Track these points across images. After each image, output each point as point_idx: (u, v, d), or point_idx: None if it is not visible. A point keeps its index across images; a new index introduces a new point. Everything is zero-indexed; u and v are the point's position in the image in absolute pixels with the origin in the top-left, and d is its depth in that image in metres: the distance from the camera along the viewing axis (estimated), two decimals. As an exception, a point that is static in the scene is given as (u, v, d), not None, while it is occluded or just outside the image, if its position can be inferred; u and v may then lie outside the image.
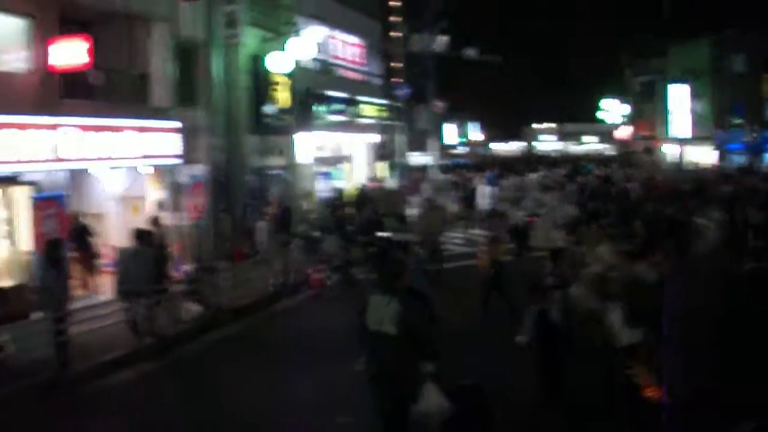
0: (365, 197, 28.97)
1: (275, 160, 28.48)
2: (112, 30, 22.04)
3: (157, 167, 22.01)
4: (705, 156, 60.65)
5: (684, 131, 64.26)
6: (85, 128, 18.61)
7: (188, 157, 22.62)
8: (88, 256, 20.54)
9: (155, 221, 20.51)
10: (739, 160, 57.30)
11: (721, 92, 57.66)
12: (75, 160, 18.52)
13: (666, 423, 7.68)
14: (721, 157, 56.47)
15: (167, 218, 21.87)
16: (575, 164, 60.27)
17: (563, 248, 15.75)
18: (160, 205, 22.18)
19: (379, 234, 21.80)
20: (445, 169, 48.16)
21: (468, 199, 31.33)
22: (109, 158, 19.68)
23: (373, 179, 35.29)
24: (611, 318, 9.33)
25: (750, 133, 56.39)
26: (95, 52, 19.28)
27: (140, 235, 16.25)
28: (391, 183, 38.51)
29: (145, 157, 20.89)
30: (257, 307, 19.31)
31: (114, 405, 12.62)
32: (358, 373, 8.50)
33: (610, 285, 10.00)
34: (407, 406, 7.96)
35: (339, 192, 29.54)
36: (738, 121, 58.75)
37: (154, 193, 22.51)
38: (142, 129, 20.61)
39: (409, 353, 7.92)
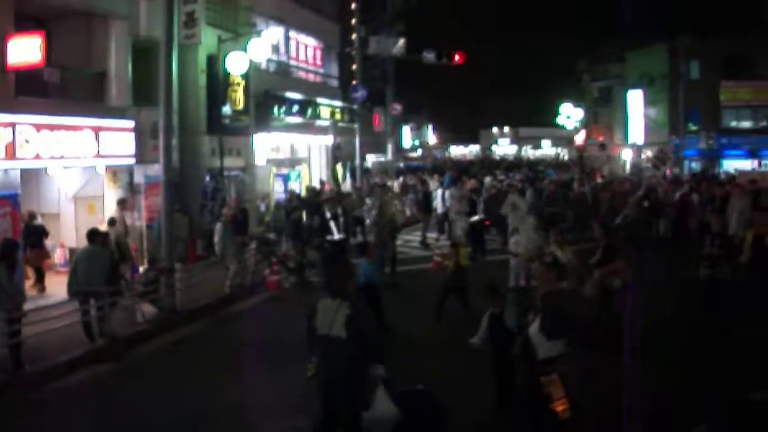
0: (316, 200, 28.95)
1: (233, 161, 28.40)
2: (70, 27, 21.94)
3: (111, 167, 21.88)
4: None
5: (639, 137, 65.04)
6: (39, 127, 18.49)
7: (144, 157, 22.53)
8: (41, 256, 20.38)
9: (112, 221, 20.46)
10: (695, 166, 58.08)
11: (676, 98, 58.29)
12: (29, 159, 18.38)
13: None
14: (676, 163, 57.06)
15: (128, 217, 21.78)
16: (533, 169, 60.61)
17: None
18: (121, 204, 22.05)
19: (329, 237, 21.79)
20: (399, 171, 48.19)
21: (423, 202, 31.33)
22: (64, 157, 19.53)
23: (324, 182, 35.21)
24: (530, 330, 9.11)
25: (706, 140, 57.08)
26: (52, 49, 19.13)
27: (94, 235, 16.08)
28: (347, 185, 38.48)
29: (101, 156, 20.77)
30: (213, 308, 19.22)
31: (67, 407, 12.48)
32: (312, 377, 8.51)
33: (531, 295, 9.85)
34: (359, 412, 7.97)
35: (293, 194, 29.51)
36: (694, 127, 59.44)
37: (111, 193, 22.38)
38: (98, 128, 20.48)
39: (359, 357, 7.93)
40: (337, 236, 21.62)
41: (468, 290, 16.40)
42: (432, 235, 29.70)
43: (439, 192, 31.62)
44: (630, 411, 8.64)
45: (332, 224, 21.69)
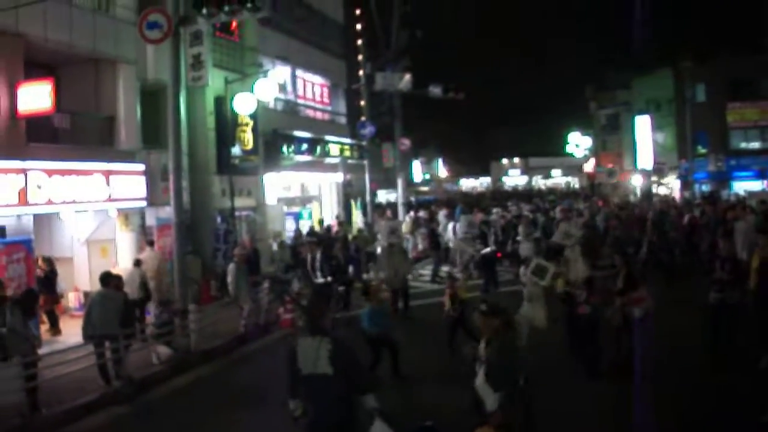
0: (327, 237, 29.00)
1: (243, 201, 28.51)
2: (78, 73, 22.19)
3: (123, 210, 22.01)
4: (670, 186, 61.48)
5: (648, 162, 65.10)
6: (51, 172, 18.65)
7: (155, 199, 22.67)
8: (55, 301, 20.47)
9: (138, 262, 20.62)
10: (704, 188, 58.06)
11: (683, 122, 58.49)
12: (42, 204, 18.53)
13: None
14: (685, 187, 57.08)
15: (152, 257, 21.86)
16: (544, 199, 60.50)
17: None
18: (150, 244, 22.17)
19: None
20: (410, 206, 48.27)
21: (433, 237, 31.32)
22: (75, 201, 19.67)
23: (339, 218, 35.31)
24: (476, 382, 8.78)
25: (715, 162, 57.10)
26: (61, 95, 19.34)
27: (107, 278, 16.15)
28: (359, 222, 38.53)
29: (112, 200, 20.92)
30: (227, 348, 19.21)
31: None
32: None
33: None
34: None
35: (300, 232, 29.59)
36: (703, 150, 59.49)
37: (123, 236, 22.50)
38: (108, 172, 20.64)
39: (348, 394, 7.76)
40: (320, 279, 21.49)
41: (469, 323, 16.23)
42: (445, 269, 29.62)
43: (450, 225, 31.64)
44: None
45: (310, 268, 21.56)
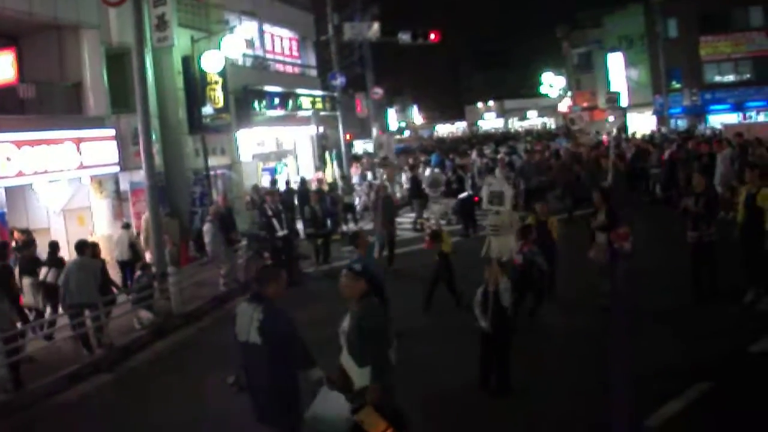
0: (302, 190, 28.96)
1: (218, 160, 28.35)
2: (41, 41, 21.91)
3: (96, 177, 21.87)
4: (645, 122, 61.48)
5: (622, 99, 65.05)
6: (20, 143, 18.46)
7: (127, 163, 22.54)
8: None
9: (127, 225, 20.75)
10: (681, 124, 58.10)
11: (656, 58, 58.43)
12: (12, 176, 18.38)
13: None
14: (662, 122, 57.13)
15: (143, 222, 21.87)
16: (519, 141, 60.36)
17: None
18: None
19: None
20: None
21: (413, 185, 31.23)
22: (47, 171, 19.51)
23: (320, 169, 35.22)
24: (341, 356, 8.14)
25: (689, 96, 57.13)
26: (25, 64, 19.10)
27: (83, 246, 16.07)
28: (335, 173, 38.46)
29: (84, 167, 20.77)
30: (209, 309, 19.23)
31: (71, 421, 12.50)
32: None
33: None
34: (291, 420, 7.56)
35: (276, 187, 29.48)
36: (677, 85, 59.49)
37: (98, 203, 22.37)
38: (78, 139, 20.46)
39: (282, 364, 7.47)
40: (280, 232, 21.29)
41: (453, 277, 16.10)
42: (425, 216, 29.59)
43: (428, 171, 31.60)
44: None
45: (275, 221, 21.42)
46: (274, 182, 32.12)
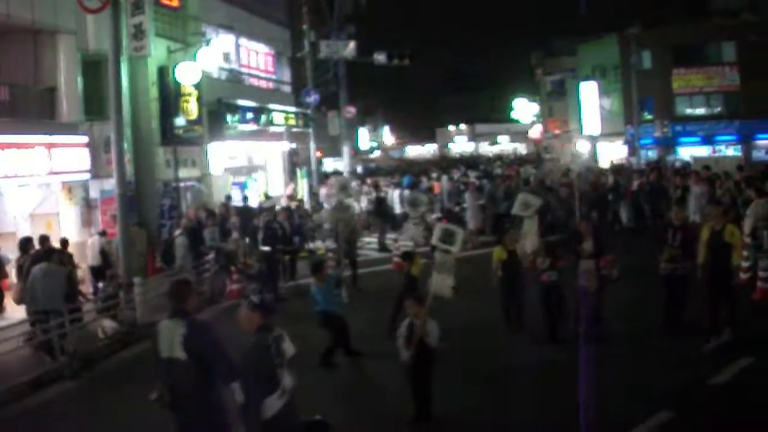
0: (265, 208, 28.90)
1: (188, 172, 28.23)
2: (17, 44, 21.82)
3: (67, 183, 21.76)
4: (616, 152, 62.00)
5: (594, 128, 65.56)
6: (-10, 146, 18.34)
7: (98, 171, 22.45)
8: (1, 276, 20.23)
9: (103, 232, 20.64)
10: (651, 154, 58.62)
11: (629, 88, 59.03)
12: (-19, 179, 18.24)
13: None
14: (632, 153, 57.63)
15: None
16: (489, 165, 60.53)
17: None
18: (113, 218, 21.99)
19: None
20: (356, 175, 48.19)
21: (377, 206, 31.20)
22: (17, 176, 19.40)
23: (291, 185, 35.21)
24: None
25: (660, 128, 57.70)
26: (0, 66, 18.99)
27: (49, 253, 16.00)
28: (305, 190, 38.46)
29: (54, 173, 20.66)
30: (174, 320, 19.11)
31: (31, 428, 12.42)
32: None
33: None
34: None
35: (248, 202, 29.42)
36: (649, 116, 60.06)
37: (67, 210, 22.26)
38: (50, 145, 20.36)
39: (206, 380, 7.46)
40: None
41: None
42: (391, 236, 29.55)
43: (396, 193, 31.68)
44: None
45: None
46: (245, 198, 31.97)
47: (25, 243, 17.26)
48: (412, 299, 11.44)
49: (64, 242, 20.19)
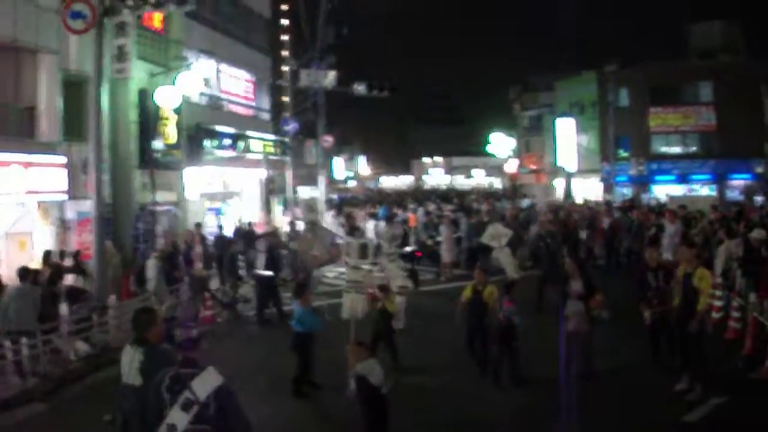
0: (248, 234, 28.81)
1: (165, 196, 28.11)
2: (-3, 62, 21.69)
3: (43, 203, 21.64)
4: (591, 189, 62.41)
5: (571, 164, 65.99)
6: (-34, 164, 18.23)
7: (75, 192, 22.33)
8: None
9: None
10: (626, 192, 59.05)
11: (606, 126, 59.59)
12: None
13: None
14: (607, 190, 58.01)
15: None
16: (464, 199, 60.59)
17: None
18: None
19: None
20: (331, 205, 48.23)
21: (351, 232, 31.13)
22: (-8, 194, 19.30)
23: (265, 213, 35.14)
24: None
25: (636, 166, 58.15)
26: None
27: (25, 274, 15.91)
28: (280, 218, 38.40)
29: (31, 192, 20.54)
30: (147, 344, 18.99)
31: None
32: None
33: None
34: None
35: (223, 229, 29.34)
36: (625, 154, 60.56)
37: (42, 229, 22.11)
38: (27, 164, 20.26)
39: (156, 405, 6.95)
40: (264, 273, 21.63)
41: (393, 335, 15.99)
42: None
43: (371, 224, 31.67)
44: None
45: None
46: (220, 227, 31.76)
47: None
48: (353, 344, 11.29)
49: (77, 254, 20.21)
